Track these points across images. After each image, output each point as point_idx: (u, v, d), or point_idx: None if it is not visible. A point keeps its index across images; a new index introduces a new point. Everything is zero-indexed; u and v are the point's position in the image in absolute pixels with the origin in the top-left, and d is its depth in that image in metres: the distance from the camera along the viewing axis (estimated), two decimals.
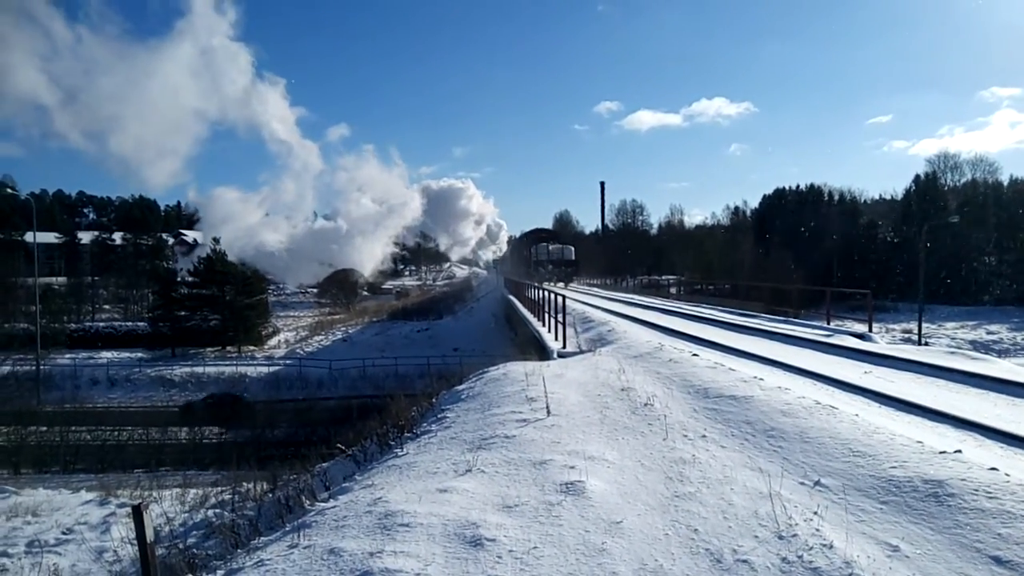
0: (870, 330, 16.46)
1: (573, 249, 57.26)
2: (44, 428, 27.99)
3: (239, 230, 60.36)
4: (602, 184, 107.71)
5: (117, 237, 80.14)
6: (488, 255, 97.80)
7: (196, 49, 79.34)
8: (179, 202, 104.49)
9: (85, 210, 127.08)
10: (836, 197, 68.37)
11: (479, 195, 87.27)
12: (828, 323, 18.53)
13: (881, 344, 14.79)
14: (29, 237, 68.35)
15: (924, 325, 36.38)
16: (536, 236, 58.44)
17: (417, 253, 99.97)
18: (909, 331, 41.71)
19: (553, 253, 53.91)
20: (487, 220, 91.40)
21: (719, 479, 5.42)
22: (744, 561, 4.03)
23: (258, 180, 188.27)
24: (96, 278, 64.88)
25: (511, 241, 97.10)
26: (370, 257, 70.94)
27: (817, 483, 5.22)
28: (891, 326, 44.72)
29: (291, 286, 71.49)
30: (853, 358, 12.24)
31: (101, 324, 50.21)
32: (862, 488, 5.03)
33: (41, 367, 35.76)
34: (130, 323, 50.16)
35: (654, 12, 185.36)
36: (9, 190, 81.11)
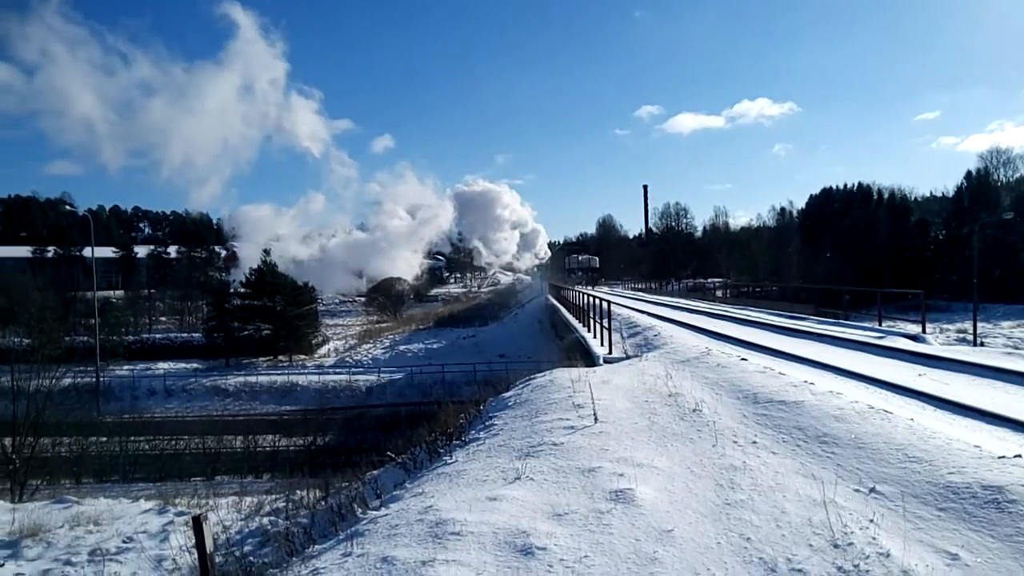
0: (923, 331, 16.07)
1: (597, 259, 73.03)
2: (104, 438, 28.70)
3: (271, 243, 62.20)
4: (645, 188, 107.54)
5: (172, 250, 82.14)
6: (526, 261, 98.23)
7: (241, 73, 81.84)
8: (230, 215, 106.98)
9: (141, 224, 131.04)
10: (885, 195, 66.71)
11: (516, 200, 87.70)
12: (880, 324, 18.14)
13: (935, 345, 14.43)
14: (87, 252, 70.52)
15: (979, 324, 35.33)
16: (569, 249, 77.03)
17: (459, 261, 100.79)
18: (964, 331, 40.54)
19: (582, 262, 70.10)
20: (527, 226, 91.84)
21: (771, 486, 5.37)
22: (799, 571, 4.00)
23: (296, 192, 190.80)
24: (152, 291, 66.62)
25: (552, 247, 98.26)
26: (406, 266, 72.12)
27: (872, 490, 5.14)
28: (945, 326, 43.44)
29: (327, 293, 72.52)
30: (906, 360, 11.98)
31: (158, 336, 51.50)
32: (919, 495, 4.95)
33: (101, 379, 36.83)
34: (185, 334, 51.34)
35: (692, 15, 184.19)
36: (68, 207, 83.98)
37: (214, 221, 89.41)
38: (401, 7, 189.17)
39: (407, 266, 73.15)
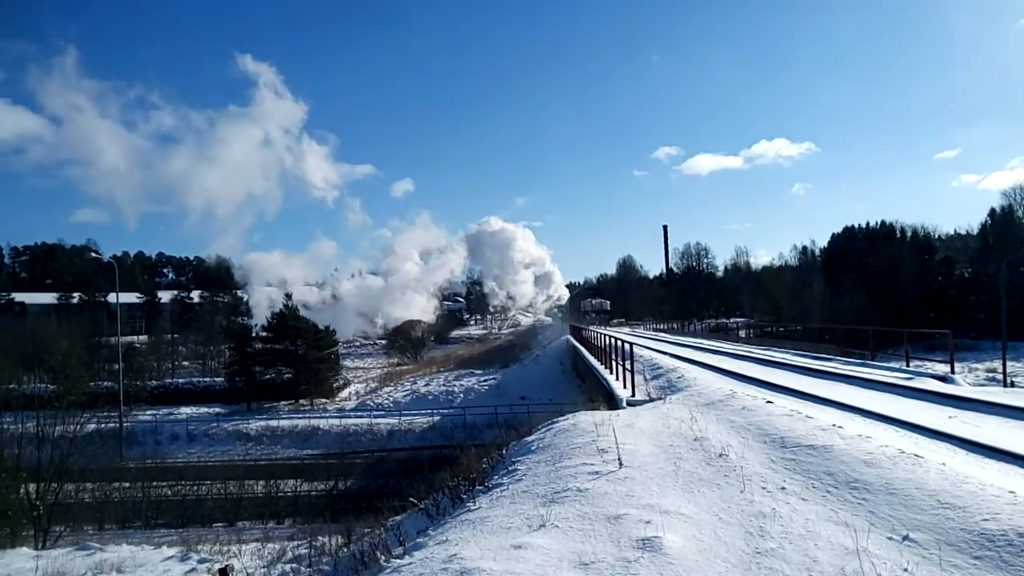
0: (952, 371, 15.83)
1: (608, 302, 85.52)
2: (127, 484, 28.74)
3: (279, 288, 63.64)
4: (665, 228, 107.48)
5: (195, 295, 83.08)
6: (540, 301, 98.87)
7: (260, 124, 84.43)
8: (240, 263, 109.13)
9: (165, 270, 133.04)
10: (909, 233, 66.32)
11: (531, 240, 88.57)
12: (907, 365, 17.90)
13: (964, 386, 14.20)
14: (112, 298, 71.49)
15: (1008, 364, 34.71)
16: (584, 293, 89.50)
17: (478, 302, 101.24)
18: (993, 370, 39.85)
19: (595, 306, 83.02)
20: (543, 266, 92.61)
21: (802, 534, 5.28)
22: None
23: (313, 237, 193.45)
24: (175, 336, 67.24)
25: (572, 288, 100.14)
26: (419, 311, 73.00)
27: (906, 538, 5.04)
28: (973, 365, 42.73)
29: (343, 337, 73.44)
30: (935, 402, 11.79)
31: (181, 380, 51.82)
32: (953, 542, 4.84)
33: (124, 424, 37.04)
34: (208, 379, 51.64)
35: (707, 58, 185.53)
36: (93, 254, 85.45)
37: (237, 265, 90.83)
38: (421, 53, 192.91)
39: (420, 310, 73.94)
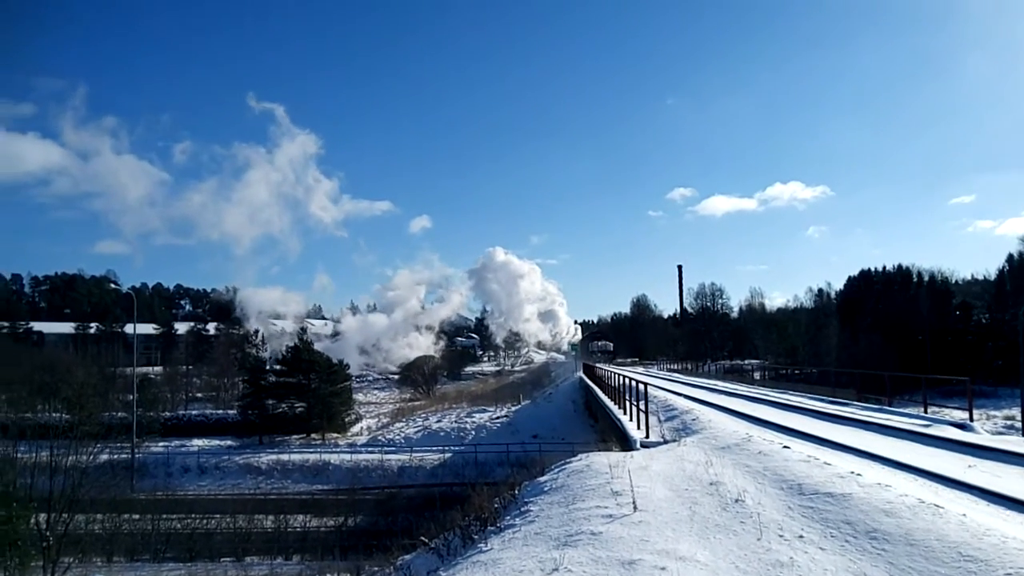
0: (971, 419, 15.64)
1: (611, 344, 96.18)
2: (137, 516, 28.67)
3: (273, 323, 64.63)
4: (679, 268, 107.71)
5: (211, 327, 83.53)
6: (547, 336, 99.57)
7: (275, 164, 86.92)
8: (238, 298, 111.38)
9: (182, 302, 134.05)
10: (926, 278, 65.89)
11: (537, 275, 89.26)
12: (925, 411, 17.72)
13: (983, 434, 14.04)
14: (129, 329, 72.05)
15: None
16: (592, 336, 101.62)
17: (489, 338, 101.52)
18: (1011, 418, 39.20)
19: (601, 347, 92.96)
20: (551, 303, 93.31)
21: None
22: None
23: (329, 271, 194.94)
24: (190, 367, 67.51)
25: (588, 326, 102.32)
26: (422, 349, 73.64)
27: None
28: (992, 412, 42.05)
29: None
30: (954, 450, 11.63)
31: (194, 412, 51.83)
32: None
33: (136, 455, 37.06)
34: (220, 411, 51.63)
35: (723, 102, 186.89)
36: (112, 285, 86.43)
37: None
38: (438, 91, 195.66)
39: (422, 349, 74.77)
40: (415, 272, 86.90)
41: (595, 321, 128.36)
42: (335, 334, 73.38)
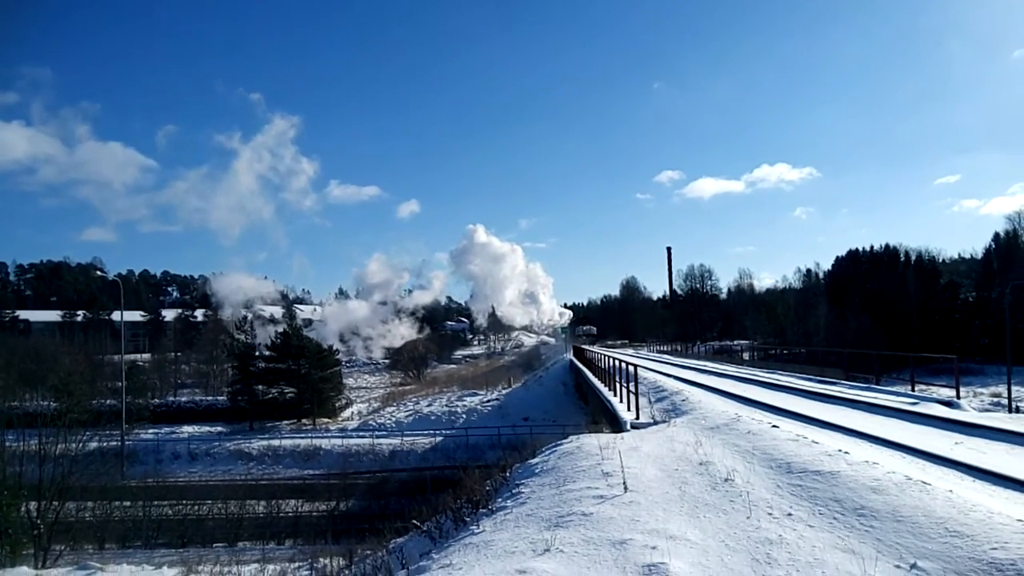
0: (958, 396, 15.79)
1: (595, 328, 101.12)
2: (128, 503, 28.57)
3: (247, 309, 64.81)
4: (668, 250, 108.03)
5: (199, 314, 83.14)
6: (546, 319, 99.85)
7: (258, 153, 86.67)
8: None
9: (169, 288, 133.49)
10: (913, 257, 66.31)
11: (520, 257, 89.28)
12: (912, 389, 17.85)
13: (970, 412, 14.16)
14: (116, 316, 71.63)
15: (1013, 389, 34.52)
16: (578, 321, 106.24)
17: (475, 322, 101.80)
18: (998, 395, 39.65)
19: (585, 330, 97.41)
20: (535, 284, 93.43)
21: (809, 561, 5.25)
22: None
23: (314, 257, 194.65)
24: (179, 354, 67.27)
25: (578, 309, 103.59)
26: (401, 337, 73.80)
27: (913, 566, 5.00)
28: (978, 390, 42.53)
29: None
30: (941, 428, 11.74)
31: (183, 399, 51.72)
32: (961, 571, 4.80)
33: (126, 442, 36.92)
34: (210, 398, 51.57)
35: (709, 85, 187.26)
36: (98, 272, 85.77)
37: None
38: (426, 77, 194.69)
39: (401, 337, 74.92)
40: (393, 258, 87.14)
41: (584, 304, 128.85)
42: (308, 322, 73.21)
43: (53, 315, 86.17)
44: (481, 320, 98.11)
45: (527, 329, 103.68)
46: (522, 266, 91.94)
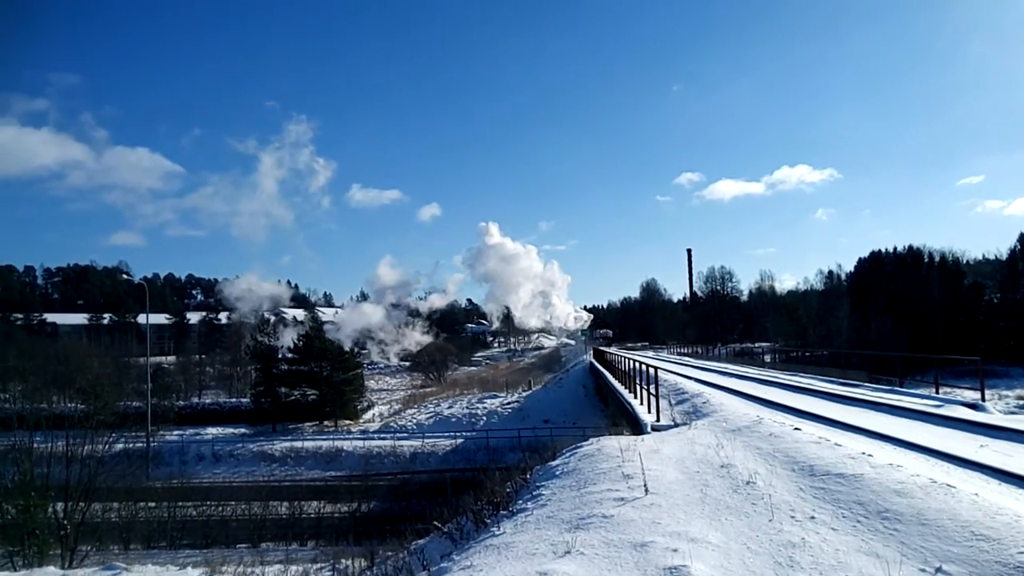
0: (983, 399, 15.57)
1: (611, 331, 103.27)
2: (153, 504, 28.89)
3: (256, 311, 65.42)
4: (689, 252, 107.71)
5: (223, 316, 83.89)
6: (567, 321, 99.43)
7: (282, 160, 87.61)
8: (287, 280, 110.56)
9: (194, 291, 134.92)
10: (937, 258, 65.50)
11: (534, 256, 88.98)
12: (936, 392, 17.65)
13: (996, 414, 13.97)
14: (142, 319, 72.49)
15: None
16: (596, 324, 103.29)
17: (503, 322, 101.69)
18: (1023, 397, 39.13)
19: (602, 333, 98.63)
20: (551, 286, 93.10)
21: (832, 565, 5.22)
22: None
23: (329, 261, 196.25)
24: (203, 356, 67.91)
25: (598, 312, 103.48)
26: (415, 343, 73.97)
27: (939, 570, 4.96)
28: (1004, 392, 41.90)
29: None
30: (967, 430, 11.60)
31: (207, 401, 52.20)
32: (987, 575, 4.76)
33: (151, 444, 37.34)
34: (234, 400, 51.98)
35: (728, 87, 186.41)
36: (124, 275, 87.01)
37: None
38: (447, 81, 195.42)
39: (415, 342, 75.01)
40: (410, 260, 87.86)
41: (604, 307, 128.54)
42: (322, 324, 73.70)
43: (80, 318, 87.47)
44: (496, 322, 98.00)
45: (543, 331, 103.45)
46: (538, 267, 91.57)
